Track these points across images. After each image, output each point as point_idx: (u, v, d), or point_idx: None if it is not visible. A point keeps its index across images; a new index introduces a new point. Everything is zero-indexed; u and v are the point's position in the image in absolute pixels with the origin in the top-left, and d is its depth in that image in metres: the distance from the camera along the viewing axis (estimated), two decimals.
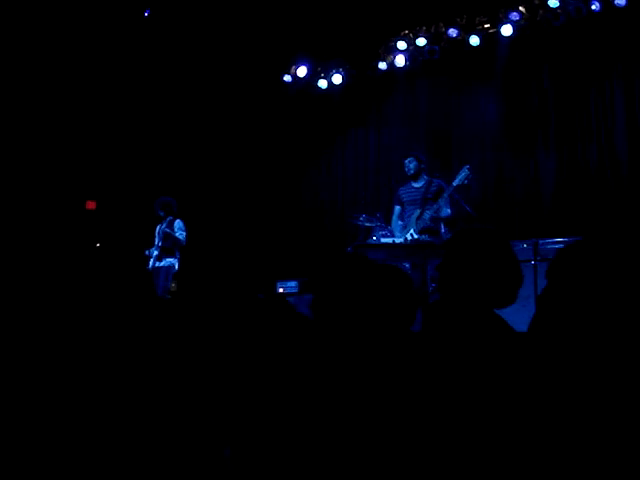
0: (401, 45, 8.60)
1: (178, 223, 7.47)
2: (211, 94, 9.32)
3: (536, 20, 7.75)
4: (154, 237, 7.51)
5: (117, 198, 8.88)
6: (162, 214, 7.50)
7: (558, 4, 7.48)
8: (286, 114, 9.69)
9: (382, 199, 8.32)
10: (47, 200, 8.18)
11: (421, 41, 8.45)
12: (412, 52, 8.62)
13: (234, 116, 9.56)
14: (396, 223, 6.57)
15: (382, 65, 8.88)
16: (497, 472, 1.55)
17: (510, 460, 1.54)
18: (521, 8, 7.77)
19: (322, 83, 9.38)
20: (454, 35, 8.24)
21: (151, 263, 7.35)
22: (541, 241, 6.30)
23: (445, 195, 6.16)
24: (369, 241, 6.33)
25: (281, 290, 7.76)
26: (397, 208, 6.64)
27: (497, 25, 7.93)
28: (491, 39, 8.08)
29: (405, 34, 8.59)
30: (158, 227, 7.52)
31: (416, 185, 6.53)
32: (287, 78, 9.50)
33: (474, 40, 8.12)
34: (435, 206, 6.17)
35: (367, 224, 6.55)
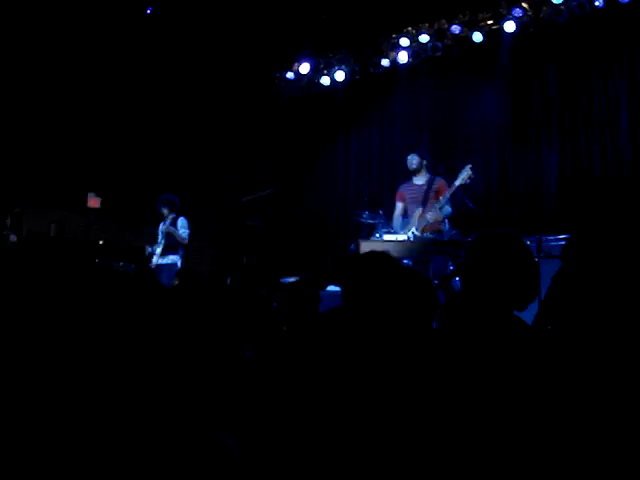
0: (404, 42, 8.59)
1: (181, 221, 7.48)
2: (213, 91, 9.33)
3: (539, 17, 7.73)
4: (157, 234, 7.53)
5: (120, 196, 8.89)
6: (165, 211, 7.51)
7: (561, 0, 7.46)
8: (289, 111, 9.69)
9: (385, 196, 8.31)
10: (50, 197, 8.20)
11: (424, 38, 8.44)
12: (415, 49, 8.61)
13: (236, 113, 9.56)
14: (398, 220, 6.56)
15: (385, 62, 8.87)
16: (510, 465, 1.55)
17: (523, 454, 1.54)
18: (524, 4, 7.75)
19: (325, 80, 9.38)
20: (457, 32, 8.23)
21: (154, 260, 7.37)
22: (544, 238, 6.30)
23: (447, 195, 6.16)
24: (372, 238, 6.34)
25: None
26: (399, 205, 6.64)
27: (500, 22, 7.92)
28: (494, 36, 8.06)
29: (408, 31, 8.58)
30: (161, 224, 7.53)
31: (418, 182, 6.52)
32: (290, 75, 9.50)
33: (477, 37, 8.11)
34: (437, 205, 6.17)
35: (370, 221, 6.55)
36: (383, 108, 9.23)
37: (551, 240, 6.34)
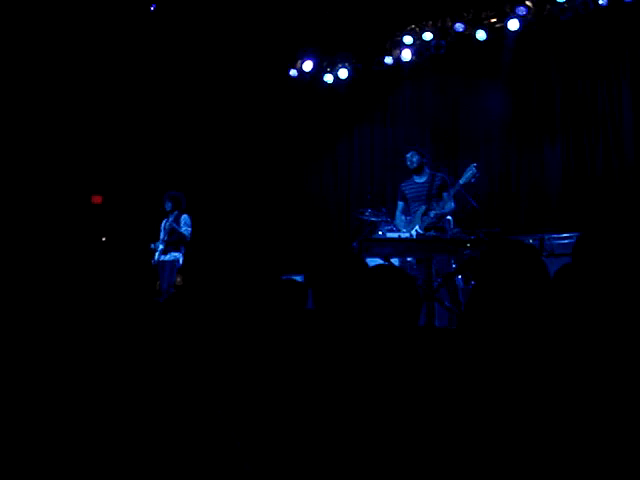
0: (407, 40, 8.57)
1: (184, 218, 7.47)
2: (217, 89, 9.33)
3: (543, 14, 7.71)
4: (160, 231, 7.53)
5: (123, 192, 8.90)
6: (170, 207, 7.50)
7: None
8: (292, 108, 9.68)
9: (388, 194, 8.31)
10: (53, 194, 8.21)
11: (427, 35, 8.43)
12: (418, 47, 8.59)
13: (240, 111, 9.56)
14: (400, 218, 6.54)
15: (388, 60, 8.86)
16: (510, 465, 1.55)
17: (523, 454, 1.54)
18: (528, 2, 7.73)
19: (328, 77, 9.37)
20: (461, 30, 8.21)
21: (156, 257, 7.38)
22: (547, 236, 6.30)
23: (451, 192, 6.13)
24: (375, 236, 6.33)
25: None
26: (400, 204, 6.61)
27: (504, 20, 7.90)
28: (498, 34, 8.05)
29: (411, 29, 8.57)
30: (164, 221, 7.53)
31: (419, 180, 6.49)
32: (293, 72, 9.49)
33: (481, 35, 8.10)
34: (441, 203, 6.14)
35: (373, 219, 6.54)
36: (387, 105, 9.23)
37: (554, 238, 6.34)
